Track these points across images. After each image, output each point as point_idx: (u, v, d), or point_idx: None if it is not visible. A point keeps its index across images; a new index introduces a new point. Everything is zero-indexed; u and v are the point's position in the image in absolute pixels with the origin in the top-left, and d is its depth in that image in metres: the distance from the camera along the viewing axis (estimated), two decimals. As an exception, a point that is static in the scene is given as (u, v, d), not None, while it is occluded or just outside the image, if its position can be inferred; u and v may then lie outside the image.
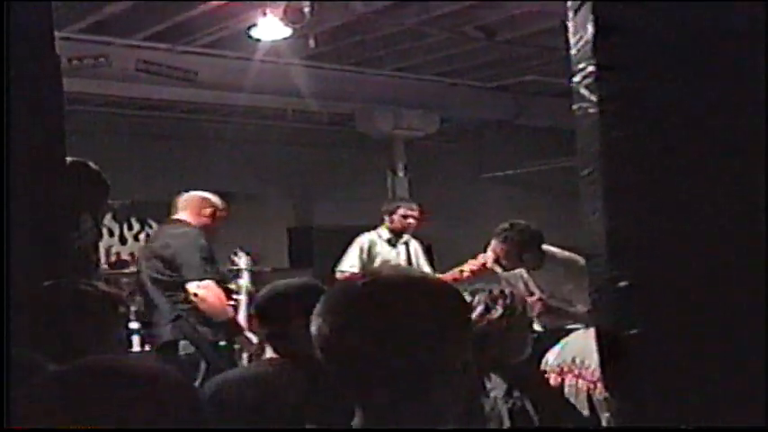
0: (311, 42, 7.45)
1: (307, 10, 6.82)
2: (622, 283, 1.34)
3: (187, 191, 5.83)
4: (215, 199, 5.78)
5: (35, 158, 2.79)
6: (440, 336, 1.59)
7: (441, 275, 5.81)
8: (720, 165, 1.34)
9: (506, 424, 3.18)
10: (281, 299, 3.29)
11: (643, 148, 1.35)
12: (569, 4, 1.45)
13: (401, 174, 11.08)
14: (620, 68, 1.37)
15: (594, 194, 1.38)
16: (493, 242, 6.03)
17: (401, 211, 7.61)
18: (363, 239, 7.75)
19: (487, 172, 12.49)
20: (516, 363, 3.50)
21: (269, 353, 3.33)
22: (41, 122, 2.81)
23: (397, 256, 7.61)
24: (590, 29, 1.38)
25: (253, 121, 10.74)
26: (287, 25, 6.99)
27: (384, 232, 7.67)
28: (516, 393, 3.28)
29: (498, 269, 6.09)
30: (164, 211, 6.07)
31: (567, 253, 5.98)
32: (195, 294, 5.35)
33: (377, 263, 7.58)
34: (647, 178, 1.35)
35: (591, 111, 1.38)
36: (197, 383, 4.84)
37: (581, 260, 5.86)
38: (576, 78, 1.43)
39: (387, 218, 7.64)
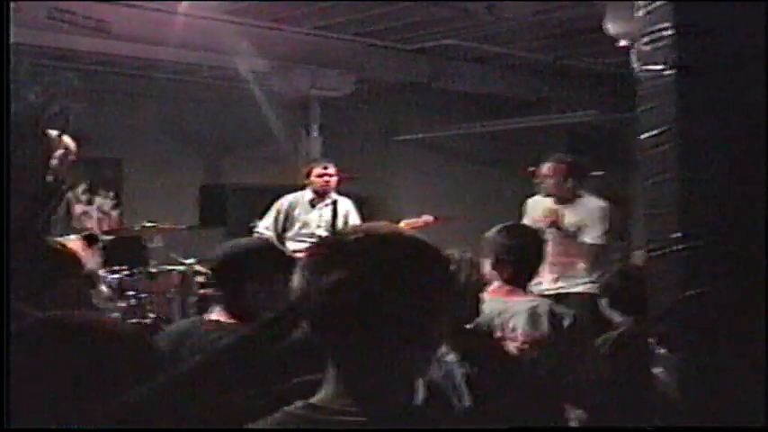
0: (239, -3, 7.28)
1: (232, -37, 6.66)
2: (690, 244, 1.33)
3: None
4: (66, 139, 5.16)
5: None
6: (421, 297, 1.59)
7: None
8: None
9: (463, 389, 3.19)
10: (237, 259, 3.23)
11: (721, 113, 1.34)
12: None
13: (315, 134, 11.01)
14: (699, 34, 1.34)
15: (663, 156, 1.36)
16: (546, 165, 6.42)
17: (316, 171, 7.61)
18: (283, 201, 7.71)
19: (401, 135, 12.49)
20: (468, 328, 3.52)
21: (216, 313, 3.25)
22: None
23: (319, 217, 7.56)
24: None
25: (167, 76, 10.47)
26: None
27: (307, 193, 7.64)
28: (470, 358, 3.29)
29: None
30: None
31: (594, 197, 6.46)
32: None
33: (296, 226, 7.54)
34: (723, 143, 1.33)
35: (666, 73, 1.35)
36: None
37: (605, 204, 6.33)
38: (647, 40, 1.39)
39: (305, 180, 7.64)
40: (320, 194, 7.58)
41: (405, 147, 12.46)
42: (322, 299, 1.57)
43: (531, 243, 4.07)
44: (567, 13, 8.71)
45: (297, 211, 7.60)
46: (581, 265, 6.32)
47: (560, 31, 9.30)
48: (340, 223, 7.49)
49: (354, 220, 7.65)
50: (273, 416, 1.57)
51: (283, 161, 11.13)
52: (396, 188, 12.27)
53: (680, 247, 1.29)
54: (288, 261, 3.33)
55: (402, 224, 7.27)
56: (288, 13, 8.82)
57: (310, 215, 7.58)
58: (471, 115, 12.43)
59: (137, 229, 8.66)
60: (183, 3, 7.58)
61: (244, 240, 3.35)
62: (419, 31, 9.73)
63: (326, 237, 1.68)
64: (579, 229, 6.30)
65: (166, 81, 10.55)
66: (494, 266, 3.93)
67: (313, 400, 1.58)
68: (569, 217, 6.34)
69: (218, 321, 3.23)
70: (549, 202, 6.46)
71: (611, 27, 7.69)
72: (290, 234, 7.57)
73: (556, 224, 6.24)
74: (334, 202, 7.61)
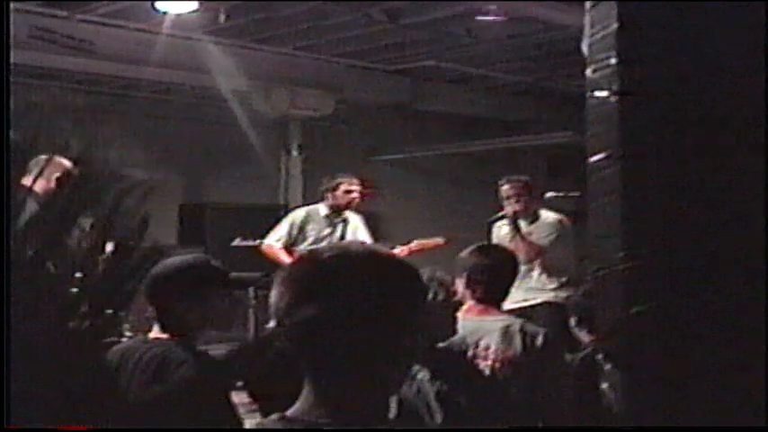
0: (222, 17, 7.35)
1: (214, -17, 6.73)
2: (634, 263, 1.41)
3: (76, 164, 5.55)
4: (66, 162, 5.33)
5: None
6: (396, 314, 1.62)
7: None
8: (734, 153, 1.42)
9: (433, 406, 3.24)
10: (170, 277, 3.24)
11: (661, 137, 1.42)
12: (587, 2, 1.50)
13: (295, 153, 11.06)
14: (640, 62, 1.43)
15: (608, 178, 1.45)
16: (504, 186, 6.69)
17: (344, 187, 7.39)
18: (297, 214, 7.57)
19: (381, 155, 12.56)
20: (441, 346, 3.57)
21: (155, 331, 3.29)
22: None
23: (331, 234, 7.42)
24: (613, 24, 1.43)
25: (148, 95, 10.53)
26: (193, -1, 6.90)
27: (322, 209, 7.46)
28: (442, 376, 3.34)
29: None
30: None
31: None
32: None
33: (309, 240, 7.39)
34: (664, 165, 1.42)
35: (611, 100, 1.43)
36: None
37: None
38: (593, 69, 1.48)
39: (329, 195, 7.40)
40: (338, 210, 7.43)
41: (384, 167, 12.53)
42: (296, 314, 1.61)
43: (503, 263, 4.13)
44: (543, 37, 8.84)
45: (310, 226, 7.42)
46: (536, 272, 6.53)
47: (538, 53, 9.42)
48: (350, 239, 7.35)
49: (364, 236, 7.52)
50: (248, 428, 1.60)
51: (263, 180, 11.19)
52: (375, 207, 12.33)
53: (624, 266, 1.37)
54: (224, 278, 3.37)
55: (414, 243, 7.43)
56: (269, 34, 8.90)
57: (324, 231, 7.42)
58: (451, 136, 12.53)
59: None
60: (165, 23, 7.63)
61: (176, 259, 3.35)
62: (399, 53, 9.83)
63: (302, 253, 1.73)
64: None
65: (146, 100, 10.59)
66: (467, 286, 4.00)
67: (289, 412, 1.61)
68: (528, 232, 6.52)
69: (157, 338, 3.26)
70: (509, 226, 6.65)
71: (586, 50, 7.81)
72: (300, 248, 7.30)
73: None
74: (345, 219, 7.50)
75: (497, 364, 3.82)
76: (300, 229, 7.38)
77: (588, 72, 1.52)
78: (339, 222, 7.44)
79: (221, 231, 10.60)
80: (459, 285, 3.94)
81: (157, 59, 8.38)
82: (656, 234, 1.41)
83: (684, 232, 1.41)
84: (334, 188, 7.37)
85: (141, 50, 8.34)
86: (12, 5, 7.30)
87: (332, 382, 1.61)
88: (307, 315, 1.60)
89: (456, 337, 3.76)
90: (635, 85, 1.43)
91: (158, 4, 7.13)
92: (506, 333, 3.85)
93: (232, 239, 10.54)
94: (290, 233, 7.39)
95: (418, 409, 3.22)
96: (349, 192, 7.36)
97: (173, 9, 7.20)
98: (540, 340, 3.85)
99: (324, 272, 1.64)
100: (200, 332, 3.32)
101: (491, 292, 4.01)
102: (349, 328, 1.58)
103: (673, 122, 1.43)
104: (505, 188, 6.68)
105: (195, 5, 7.03)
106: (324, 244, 7.06)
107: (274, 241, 7.43)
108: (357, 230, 7.53)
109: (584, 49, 6.17)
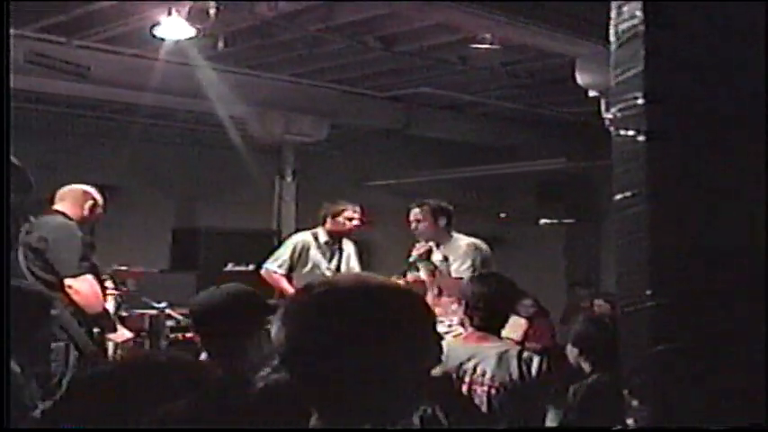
0: (220, 44, 7.40)
1: (212, 11, 6.76)
2: (661, 300, 1.44)
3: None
4: (95, 193, 5.85)
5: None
6: (398, 342, 1.64)
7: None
8: (765, 194, 1.45)
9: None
10: (214, 307, 3.31)
11: (687, 175, 1.46)
12: (612, 39, 1.54)
13: (289, 178, 11.09)
14: (666, 101, 1.47)
15: (634, 216, 1.48)
16: (414, 211, 6.46)
17: (347, 214, 7.34)
18: (298, 239, 7.51)
19: (373, 180, 12.61)
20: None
21: (203, 357, 3.35)
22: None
23: (328, 259, 7.42)
24: (639, 63, 1.47)
25: (142, 120, 10.56)
26: (192, 25, 6.93)
27: (322, 235, 7.42)
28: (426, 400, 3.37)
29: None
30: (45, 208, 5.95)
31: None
32: (69, 286, 5.33)
33: (308, 266, 7.37)
34: (691, 203, 1.45)
35: (638, 139, 1.47)
36: (68, 371, 4.92)
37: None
38: (619, 108, 1.51)
39: (330, 220, 7.34)
40: (337, 237, 7.41)
41: (377, 192, 12.58)
42: (299, 347, 1.64)
43: (501, 291, 4.17)
44: (536, 65, 8.93)
45: (311, 251, 7.37)
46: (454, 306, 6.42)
47: (531, 80, 9.51)
48: (343, 267, 7.43)
49: (354, 263, 7.55)
50: None
51: (256, 205, 11.21)
52: (368, 234, 12.36)
53: (650, 303, 1.40)
54: (267, 307, 3.43)
55: (410, 277, 7.19)
56: (265, 60, 8.96)
57: (323, 257, 7.40)
58: (443, 162, 12.60)
59: (108, 272, 8.68)
60: (162, 48, 7.67)
61: (219, 289, 3.42)
62: (393, 79, 9.90)
63: (305, 286, 1.75)
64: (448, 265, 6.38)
65: (141, 124, 10.63)
66: (465, 313, 4.04)
67: None
68: (438, 256, 6.42)
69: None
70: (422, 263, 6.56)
71: (581, 78, 7.90)
72: (300, 273, 7.32)
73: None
74: (341, 247, 7.50)
75: (493, 390, 3.86)
76: (301, 254, 7.33)
77: (614, 111, 1.55)
78: (336, 249, 7.43)
79: (214, 256, 10.63)
80: (459, 312, 3.99)
81: (154, 85, 8.43)
82: (683, 272, 1.44)
83: (712, 270, 1.45)
84: (337, 214, 7.32)
85: (138, 75, 8.39)
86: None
87: (336, 412, 1.63)
88: (306, 348, 1.63)
89: (453, 363, 3.82)
90: (662, 124, 1.47)
91: (156, 31, 7.16)
92: (502, 359, 3.90)
93: (225, 264, 10.56)
94: (292, 258, 7.33)
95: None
96: (351, 219, 7.32)
97: (170, 35, 7.23)
98: (535, 366, 3.90)
99: (320, 307, 1.66)
100: (245, 359, 3.37)
101: (489, 319, 4.06)
102: (347, 359, 1.60)
103: (699, 161, 1.47)
104: (414, 213, 6.50)
105: (193, 32, 7.06)
106: (323, 270, 7.28)
107: (276, 267, 7.35)
108: (350, 258, 7.54)
109: (580, 77, 6.21)
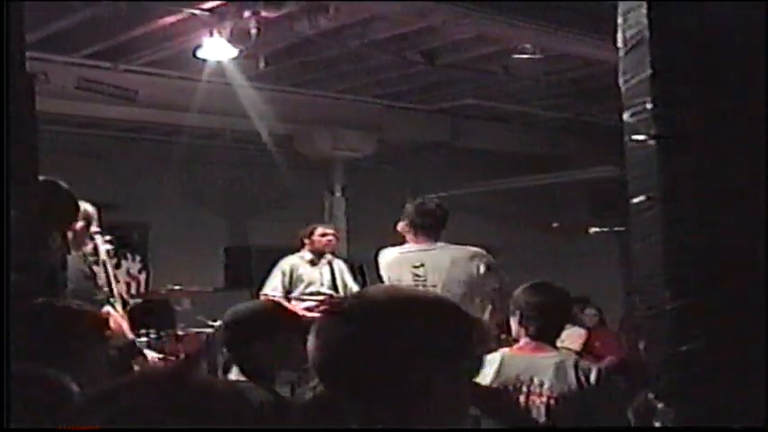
0: (261, 63, 7.50)
1: (253, 31, 6.85)
2: (681, 302, 1.43)
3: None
4: (89, 208, 5.11)
5: (8, 175, 2.79)
6: (435, 354, 1.61)
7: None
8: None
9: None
10: (244, 321, 3.36)
11: (703, 181, 1.46)
12: (620, 45, 1.55)
13: (338, 194, 11.14)
14: (675, 106, 1.47)
15: (649, 219, 1.48)
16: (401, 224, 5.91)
17: (318, 231, 8.01)
18: (285, 263, 8.05)
19: (422, 193, 12.58)
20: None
21: (235, 374, 3.37)
22: (16, 139, 2.82)
23: (320, 276, 7.95)
24: (647, 69, 1.47)
25: (191, 141, 10.71)
26: (234, 46, 7.02)
27: (306, 254, 8.00)
28: (474, 411, 3.37)
29: None
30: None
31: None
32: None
33: (301, 285, 7.92)
34: (704, 205, 1.45)
35: (649, 143, 1.47)
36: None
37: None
38: (630, 113, 1.52)
39: (306, 240, 7.99)
40: (319, 254, 7.96)
41: (427, 205, 12.54)
42: (337, 363, 1.62)
43: (556, 300, 4.13)
44: (579, 72, 8.88)
45: (300, 270, 7.94)
46: None
47: (575, 88, 9.46)
48: (338, 282, 7.94)
49: (348, 279, 8.06)
50: None
51: (307, 222, 11.27)
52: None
53: (672, 305, 1.39)
54: (296, 320, 3.47)
55: None
56: (309, 77, 9.05)
57: (313, 274, 7.95)
58: (492, 172, 12.55)
59: (163, 292, 8.82)
60: (207, 69, 7.79)
61: (250, 303, 3.48)
62: (438, 92, 9.93)
63: (340, 299, 1.72)
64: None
65: (191, 146, 10.77)
66: (520, 323, 4.01)
67: None
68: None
69: (236, 381, 3.34)
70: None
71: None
72: (295, 293, 7.92)
73: None
74: (330, 262, 8.02)
75: (552, 401, 3.83)
76: (290, 275, 7.93)
77: (625, 116, 1.56)
78: (324, 264, 8.00)
79: (267, 274, 10.68)
80: (513, 323, 3.97)
81: (199, 105, 8.56)
82: (701, 273, 1.44)
83: (727, 270, 1.44)
84: (311, 233, 8.00)
85: (183, 97, 8.52)
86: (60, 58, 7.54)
87: (378, 424, 1.61)
88: (342, 367, 1.61)
89: (509, 374, 3.80)
90: (671, 128, 1.46)
91: (199, 53, 7.28)
92: (560, 369, 3.85)
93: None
94: (283, 282, 7.93)
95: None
96: (324, 235, 7.99)
97: (213, 57, 7.34)
98: (593, 376, 3.85)
99: (353, 322, 1.64)
100: (277, 374, 3.42)
101: (544, 329, 4.01)
102: (386, 376, 1.58)
103: (710, 163, 1.46)
104: (401, 225, 5.96)
105: (235, 53, 7.16)
106: (317, 287, 7.90)
107: (270, 291, 7.95)
108: (343, 274, 8.09)
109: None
